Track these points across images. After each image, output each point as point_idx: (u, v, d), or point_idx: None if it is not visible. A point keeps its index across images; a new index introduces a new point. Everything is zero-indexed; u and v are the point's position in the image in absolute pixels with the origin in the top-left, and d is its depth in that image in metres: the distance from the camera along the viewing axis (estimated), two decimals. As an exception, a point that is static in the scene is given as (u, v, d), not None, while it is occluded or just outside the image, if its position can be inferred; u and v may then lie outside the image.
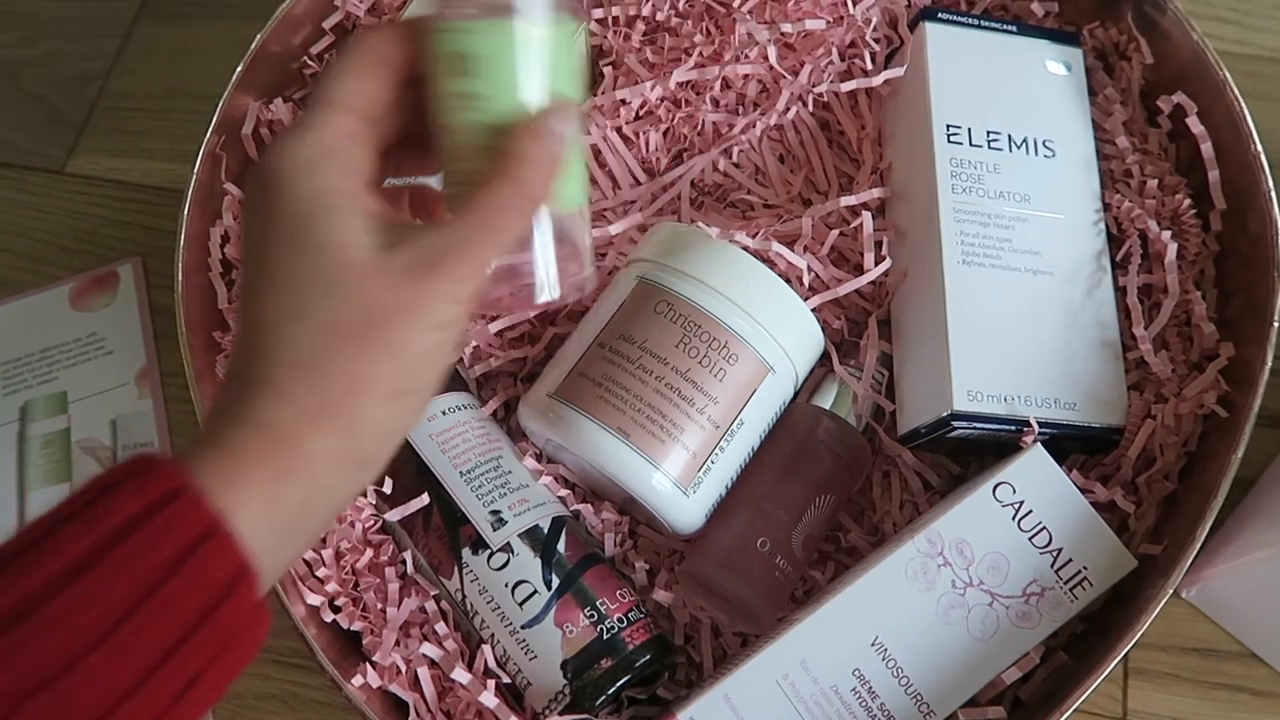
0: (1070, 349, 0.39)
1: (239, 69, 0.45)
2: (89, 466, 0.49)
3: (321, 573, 0.38)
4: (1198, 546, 0.35)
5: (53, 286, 0.53)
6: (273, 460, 0.24)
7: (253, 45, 0.46)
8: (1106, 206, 0.42)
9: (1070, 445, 0.39)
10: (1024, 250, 0.40)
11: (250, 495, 0.24)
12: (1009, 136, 0.42)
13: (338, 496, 0.26)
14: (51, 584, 0.22)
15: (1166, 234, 0.40)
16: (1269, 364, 0.37)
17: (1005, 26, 0.45)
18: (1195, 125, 0.42)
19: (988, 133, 0.42)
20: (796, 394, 0.41)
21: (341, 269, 0.25)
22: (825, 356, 0.42)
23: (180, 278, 0.41)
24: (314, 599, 0.38)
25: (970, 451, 0.42)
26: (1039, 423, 0.37)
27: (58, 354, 0.52)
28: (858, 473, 0.40)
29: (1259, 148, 0.40)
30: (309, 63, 0.49)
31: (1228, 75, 0.42)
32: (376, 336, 0.25)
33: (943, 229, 0.40)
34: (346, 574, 0.39)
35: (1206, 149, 0.42)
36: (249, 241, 0.27)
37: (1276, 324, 0.38)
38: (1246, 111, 0.41)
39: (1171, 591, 0.34)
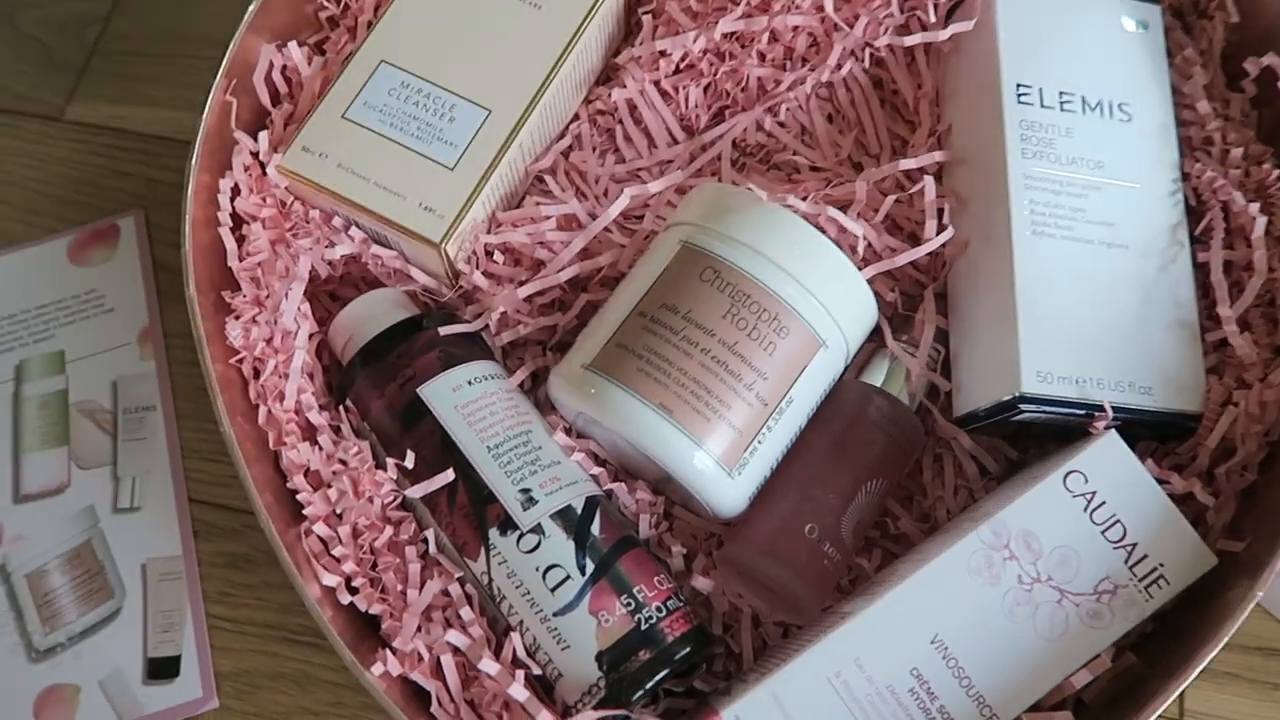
0: (1145, 329, 0.36)
1: (251, 8, 0.42)
2: (88, 430, 0.47)
3: (338, 551, 0.36)
4: (1291, 545, 0.32)
5: (50, 239, 0.50)
6: None
7: (266, -17, 0.42)
8: (1185, 176, 0.39)
9: (1141, 432, 0.37)
10: (1097, 221, 0.38)
11: None
12: (1082, 98, 0.39)
13: None
14: None
15: (1254, 206, 0.37)
16: (1365, 349, 0.35)
17: (1078, -21, 0.41)
18: (1287, 90, 0.39)
19: (1060, 94, 0.39)
20: (845, 370, 0.39)
21: None
22: (877, 331, 0.39)
23: (188, 232, 0.38)
24: (330, 579, 0.35)
25: (1030, 436, 0.39)
26: (1113, 407, 0.35)
27: (55, 310, 0.49)
28: (910, 455, 0.38)
29: (1356, 116, 0.37)
30: (325, 4, 0.45)
31: (1322, 36, 0.39)
32: None
33: (1012, 197, 0.37)
34: (365, 553, 0.36)
35: (1297, 116, 0.39)
36: None
37: (1373, 307, 0.35)
38: (1343, 76, 0.38)
39: (1260, 594, 0.32)
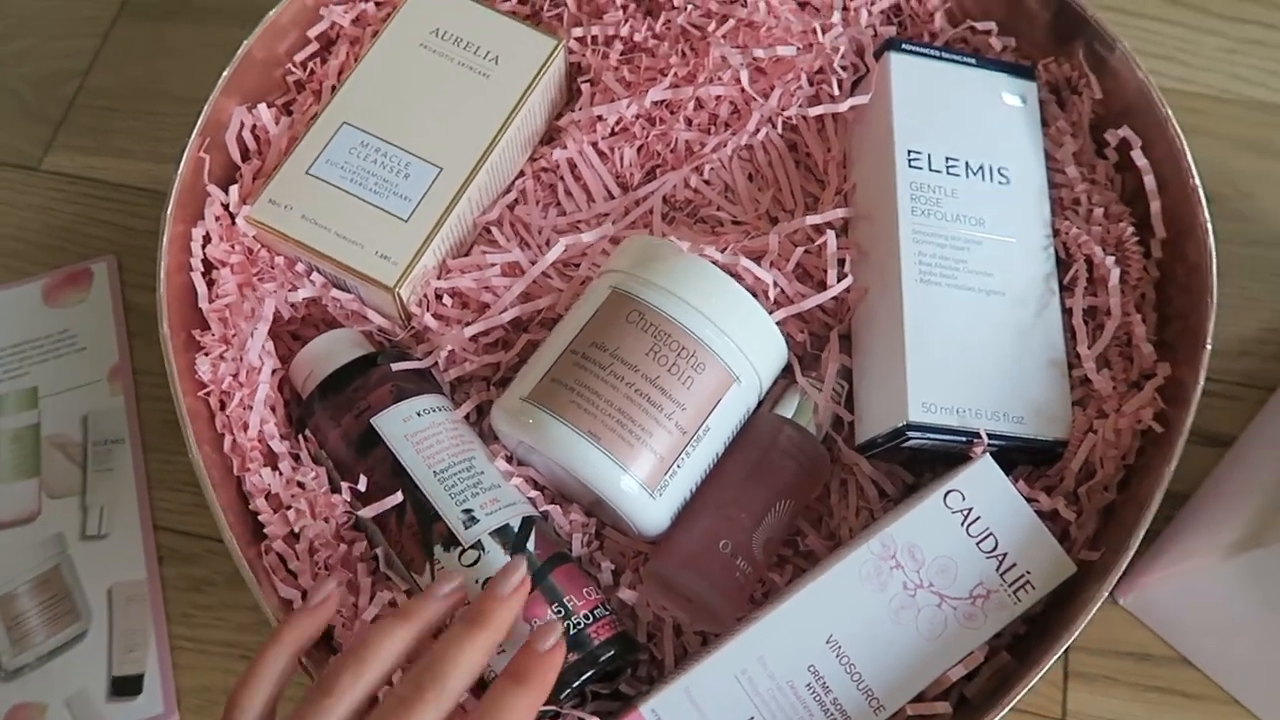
0: (1019, 365, 0.41)
1: (225, 73, 0.46)
2: (58, 461, 0.49)
3: (294, 566, 0.39)
4: (1131, 554, 0.37)
5: (25, 282, 0.53)
6: None
7: (239, 51, 0.46)
8: (1056, 232, 0.44)
9: (1017, 456, 0.41)
10: (978, 271, 0.43)
11: None
12: (966, 163, 0.44)
13: None
14: None
15: (1110, 259, 0.43)
16: (1201, 384, 0.40)
17: (965, 59, 0.47)
18: (1139, 158, 0.44)
19: (946, 159, 0.44)
20: (760, 403, 0.43)
21: None
22: (788, 368, 0.44)
23: (163, 276, 0.42)
24: (287, 592, 0.39)
25: (923, 461, 0.44)
26: (988, 434, 0.39)
27: (29, 349, 0.52)
28: (817, 480, 0.42)
29: (1197, 181, 0.43)
30: (292, 69, 0.50)
31: (1169, 112, 0.44)
32: None
33: (902, 249, 0.42)
34: (320, 568, 0.40)
35: (1149, 181, 0.44)
36: None
37: (1209, 347, 0.40)
38: (1187, 147, 0.44)
39: (1106, 596, 0.36)
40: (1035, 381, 0.41)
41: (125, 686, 0.45)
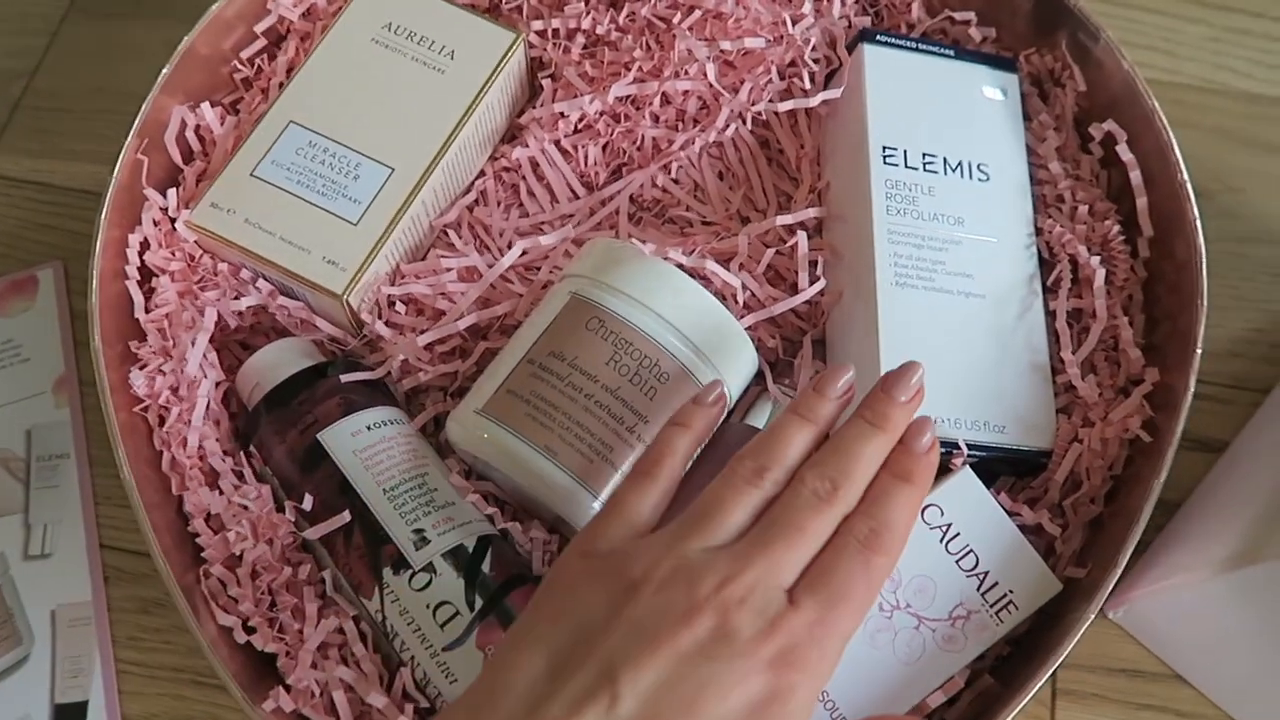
0: (1001, 372, 0.39)
1: (165, 71, 0.44)
2: (0, 478, 0.47)
3: (234, 592, 0.37)
4: (1120, 570, 0.35)
5: (-33, 291, 0.51)
6: None
7: (180, 47, 0.44)
8: (1039, 231, 0.43)
9: (999, 468, 0.39)
10: (957, 273, 0.41)
11: None
12: (944, 159, 0.42)
13: None
14: None
15: (1095, 259, 0.41)
16: (1192, 389, 0.38)
17: (943, 51, 0.45)
18: (1124, 153, 0.42)
19: (923, 155, 0.42)
20: (730, 413, 0.41)
21: None
22: (760, 376, 0.42)
23: (95, 285, 0.40)
24: (227, 620, 0.36)
25: (902, 472, 0.42)
26: (968, 445, 0.37)
27: (-30, 362, 0.50)
28: (790, 493, 0.40)
29: (1185, 176, 0.41)
30: (239, 66, 0.47)
31: (1156, 104, 0.42)
32: None
33: (877, 250, 0.40)
34: (262, 593, 0.37)
35: (1135, 176, 0.42)
36: None
37: (1200, 350, 0.39)
38: (1175, 141, 0.42)
39: (1094, 615, 0.34)
40: (1017, 389, 0.39)
41: (68, 715, 0.43)
